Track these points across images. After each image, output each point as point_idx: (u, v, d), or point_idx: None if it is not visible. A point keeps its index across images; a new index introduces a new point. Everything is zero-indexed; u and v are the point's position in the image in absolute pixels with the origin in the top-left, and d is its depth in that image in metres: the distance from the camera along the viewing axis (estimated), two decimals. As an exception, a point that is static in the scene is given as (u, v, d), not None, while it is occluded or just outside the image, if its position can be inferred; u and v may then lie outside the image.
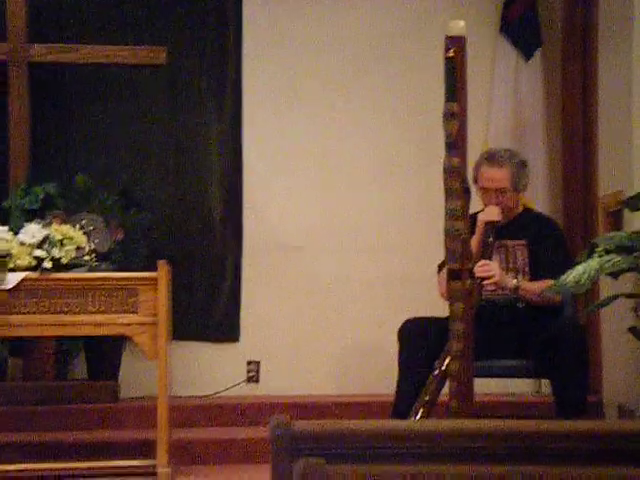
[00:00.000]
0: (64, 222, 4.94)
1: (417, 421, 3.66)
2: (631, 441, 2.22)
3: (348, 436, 2.03)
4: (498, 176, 4.75)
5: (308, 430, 1.99)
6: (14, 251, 4.48)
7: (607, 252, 4.40)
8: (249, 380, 6.22)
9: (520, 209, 4.90)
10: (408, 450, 2.03)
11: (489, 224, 4.67)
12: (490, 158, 4.78)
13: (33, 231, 4.57)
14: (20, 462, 4.70)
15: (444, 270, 3.55)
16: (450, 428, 2.05)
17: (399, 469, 1.96)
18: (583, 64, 6.04)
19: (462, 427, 2.04)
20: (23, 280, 4.45)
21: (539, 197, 6.03)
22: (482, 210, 4.75)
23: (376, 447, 2.03)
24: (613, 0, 5.49)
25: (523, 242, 4.77)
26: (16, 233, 4.58)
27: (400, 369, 4.66)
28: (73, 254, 4.57)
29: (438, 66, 3.40)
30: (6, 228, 4.65)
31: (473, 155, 4.55)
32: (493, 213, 4.70)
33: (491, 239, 4.67)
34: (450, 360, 3.51)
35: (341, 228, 6.33)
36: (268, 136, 6.34)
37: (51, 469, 4.63)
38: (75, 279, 4.50)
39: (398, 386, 4.63)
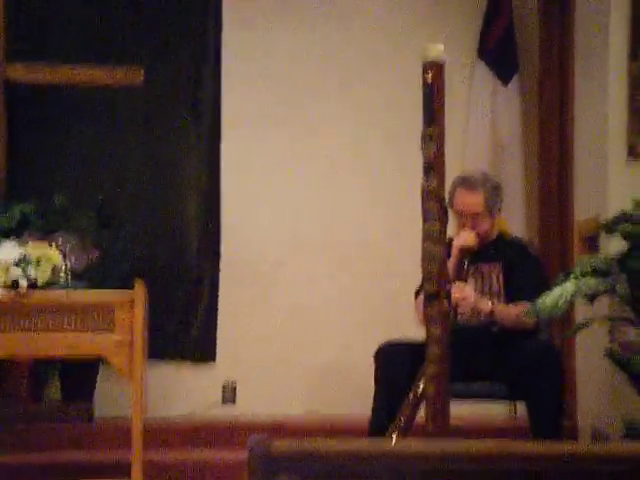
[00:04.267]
0: (40, 241, 4.92)
1: (395, 441, 3.66)
2: (605, 463, 2.23)
3: (326, 455, 2.03)
4: (473, 200, 4.75)
5: (286, 449, 1.99)
6: (-11, 269, 4.47)
7: (583, 275, 4.42)
8: (225, 401, 6.20)
9: (495, 233, 4.90)
10: (385, 470, 2.04)
11: (464, 249, 4.68)
12: (464, 182, 4.78)
13: (9, 250, 4.55)
14: (-7, 482, 4.67)
15: (421, 296, 3.55)
16: (427, 448, 2.05)
17: (376, 489, 1.97)
18: (560, 86, 6.06)
19: (439, 447, 2.05)
20: (-2, 299, 4.43)
21: (516, 220, 6.03)
22: (457, 234, 4.75)
23: (353, 466, 2.03)
24: (589, 22, 5.51)
25: (498, 266, 4.77)
26: (-8, 252, 4.57)
27: (376, 391, 4.65)
28: (49, 273, 4.55)
29: (418, 87, 3.41)
30: (-18, 247, 4.63)
31: (451, 178, 4.56)
32: (468, 238, 4.71)
33: (466, 264, 4.68)
34: (426, 383, 3.51)
35: (318, 250, 6.32)
36: (246, 154, 6.34)
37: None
38: (51, 298, 4.48)
39: (374, 408, 4.62)
